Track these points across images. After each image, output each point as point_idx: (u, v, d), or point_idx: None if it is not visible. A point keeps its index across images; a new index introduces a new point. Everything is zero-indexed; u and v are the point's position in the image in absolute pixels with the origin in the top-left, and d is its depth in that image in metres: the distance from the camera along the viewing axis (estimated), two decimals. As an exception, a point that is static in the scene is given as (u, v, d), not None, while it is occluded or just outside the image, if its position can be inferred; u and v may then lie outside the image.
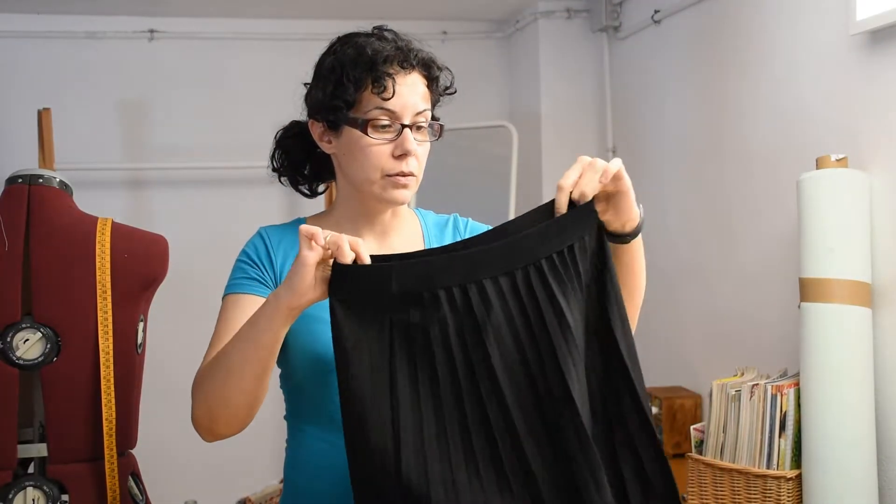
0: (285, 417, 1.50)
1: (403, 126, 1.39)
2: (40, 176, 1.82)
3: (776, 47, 2.58)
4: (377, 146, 1.39)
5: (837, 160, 2.20)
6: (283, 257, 1.46)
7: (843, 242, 2.13)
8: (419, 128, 1.42)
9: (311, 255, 1.18)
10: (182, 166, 3.81)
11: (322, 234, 1.19)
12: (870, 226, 2.16)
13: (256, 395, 1.29)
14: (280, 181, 1.56)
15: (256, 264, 1.44)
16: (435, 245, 1.50)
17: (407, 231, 1.53)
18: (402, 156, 1.39)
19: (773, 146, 2.61)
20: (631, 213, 1.28)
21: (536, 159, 3.77)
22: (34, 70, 3.69)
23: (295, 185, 1.56)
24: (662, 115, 3.28)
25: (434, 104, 1.48)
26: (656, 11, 3.24)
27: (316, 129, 1.46)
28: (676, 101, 3.18)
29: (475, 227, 1.55)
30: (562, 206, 1.22)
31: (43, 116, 3.26)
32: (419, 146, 1.41)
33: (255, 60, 3.88)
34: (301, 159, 1.54)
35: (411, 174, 1.41)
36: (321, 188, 1.58)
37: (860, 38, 2.22)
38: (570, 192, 1.22)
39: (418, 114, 1.41)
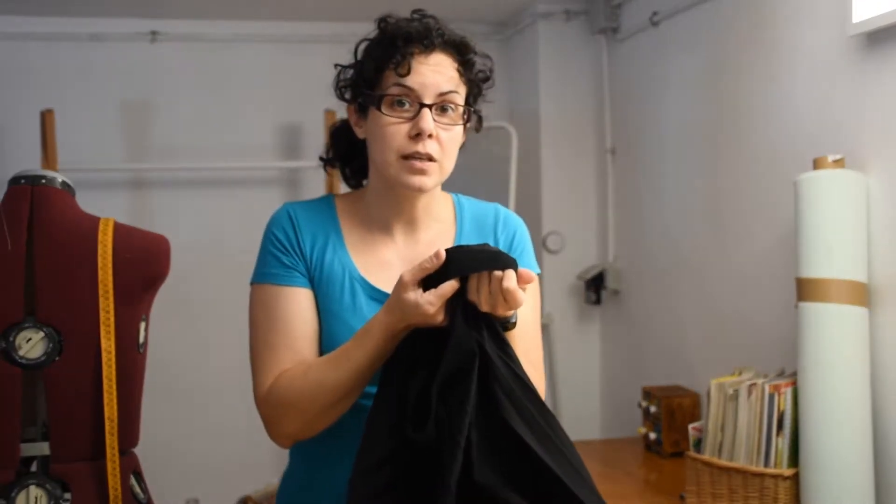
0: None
1: (422, 105, 1.35)
2: (43, 177, 1.83)
3: (773, 49, 2.59)
4: (393, 125, 1.35)
5: (835, 161, 2.21)
6: (312, 242, 1.43)
7: (840, 242, 2.14)
8: (444, 110, 1.37)
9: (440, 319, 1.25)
10: (184, 167, 3.83)
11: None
12: (867, 226, 2.17)
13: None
14: (325, 171, 1.58)
15: (288, 250, 1.42)
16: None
17: (436, 227, 1.49)
18: (417, 136, 1.35)
19: (770, 147, 2.62)
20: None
21: (536, 160, 3.78)
22: (37, 71, 3.70)
23: (344, 177, 1.56)
24: (661, 116, 3.28)
25: (471, 92, 1.43)
26: (655, 13, 3.25)
27: (352, 115, 1.45)
28: (675, 102, 3.19)
29: (510, 228, 1.53)
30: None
31: (46, 117, 3.28)
32: (443, 130, 1.37)
33: (257, 62, 3.88)
34: (346, 152, 1.53)
35: (429, 157, 1.36)
36: (365, 182, 1.55)
37: (857, 39, 2.23)
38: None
39: (442, 94, 1.36)
